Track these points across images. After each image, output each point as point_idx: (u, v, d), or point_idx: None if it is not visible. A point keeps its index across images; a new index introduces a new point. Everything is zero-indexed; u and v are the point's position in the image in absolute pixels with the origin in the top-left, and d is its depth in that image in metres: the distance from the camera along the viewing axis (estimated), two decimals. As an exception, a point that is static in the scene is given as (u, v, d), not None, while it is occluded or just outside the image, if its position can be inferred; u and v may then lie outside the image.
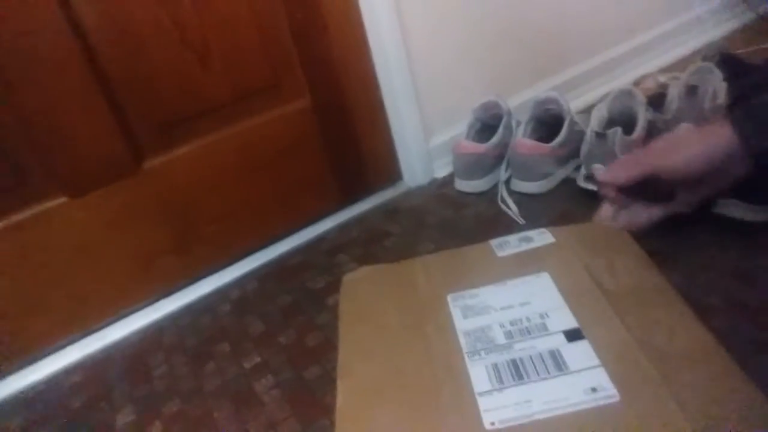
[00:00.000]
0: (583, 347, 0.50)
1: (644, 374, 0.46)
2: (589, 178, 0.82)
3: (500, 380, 0.49)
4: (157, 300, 0.93)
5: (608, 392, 0.45)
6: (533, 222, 0.91)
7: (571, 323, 0.53)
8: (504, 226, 0.92)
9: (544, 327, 0.53)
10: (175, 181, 0.89)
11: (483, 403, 0.47)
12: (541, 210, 0.94)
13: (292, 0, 0.90)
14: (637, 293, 0.55)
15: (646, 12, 1.35)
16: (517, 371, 0.50)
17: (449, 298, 0.60)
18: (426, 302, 0.60)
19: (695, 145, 0.62)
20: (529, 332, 0.53)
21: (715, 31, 1.44)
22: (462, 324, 0.56)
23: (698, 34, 1.42)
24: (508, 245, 0.66)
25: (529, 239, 0.66)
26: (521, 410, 0.46)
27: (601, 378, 0.47)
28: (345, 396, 0.52)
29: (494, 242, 0.67)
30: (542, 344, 0.52)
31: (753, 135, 0.59)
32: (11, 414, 0.79)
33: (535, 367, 0.50)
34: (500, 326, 0.55)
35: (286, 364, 0.75)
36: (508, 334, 0.54)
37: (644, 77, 1.26)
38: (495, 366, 0.51)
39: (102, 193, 0.83)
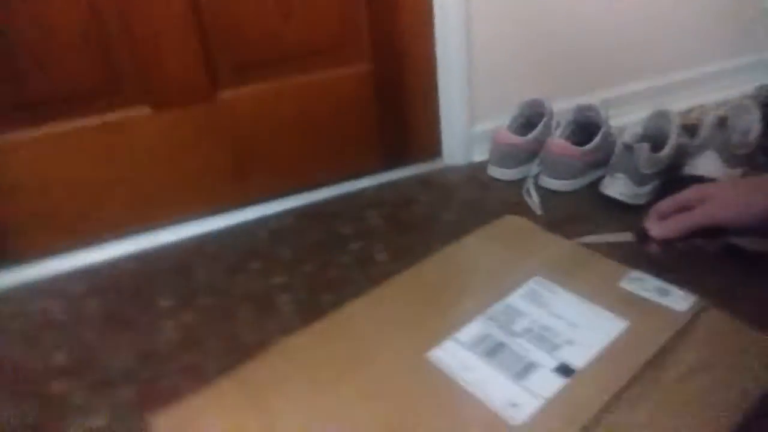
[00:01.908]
0: (552, 382, 0.50)
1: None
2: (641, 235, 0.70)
3: (476, 344, 0.55)
4: (207, 216, 1.06)
5: (517, 417, 0.47)
6: (549, 215, 0.99)
7: (577, 363, 0.52)
8: (522, 213, 1.00)
9: (555, 348, 0.54)
10: (243, 115, 1.01)
11: (446, 343, 0.55)
12: (560, 207, 1.02)
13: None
14: (677, 395, 0.49)
15: (708, 45, 1.38)
16: (493, 351, 0.54)
17: (536, 278, 0.63)
18: (521, 268, 0.65)
19: (758, 200, 0.61)
20: (540, 341, 0.55)
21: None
22: (513, 299, 0.60)
23: (760, 79, 1.43)
24: (638, 284, 0.62)
25: (665, 293, 0.61)
26: (456, 368, 0.52)
27: (530, 405, 0.48)
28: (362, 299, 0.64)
29: (632, 273, 0.64)
30: (534, 354, 0.53)
31: None
32: (76, 282, 0.93)
33: (505, 360, 0.53)
34: (532, 321, 0.57)
35: (306, 288, 0.87)
36: (527, 330, 0.56)
37: (692, 110, 1.30)
38: (487, 336, 0.56)
39: (180, 111, 0.96)
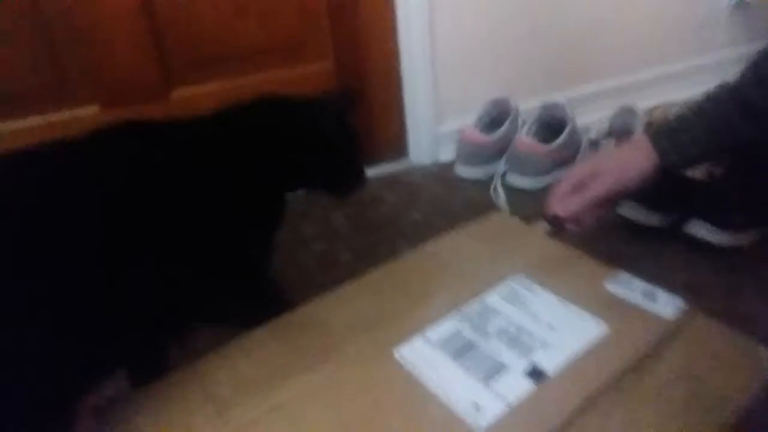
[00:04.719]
0: (522, 385, 0.48)
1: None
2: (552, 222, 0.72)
3: (445, 342, 0.52)
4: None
5: (481, 421, 0.45)
6: (516, 213, 0.97)
7: (550, 368, 0.49)
8: (489, 212, 0.98)
9: (529, 350, 0.51)
10: (198, 115, 0.97)
11: (416, 339, 0.52)
12: (527, 204, 1.00)
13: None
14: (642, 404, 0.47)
15: (671, 45, 1.40)
16: (462, 351, 0.51)
17: (516, 277, 0.60)
18: (502, 267, 0.62)
19: (630, 168, 0.68)
20: (514, 342, 0.52)
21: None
22: (491, 298, 0.57)
23: (721, 77, 1.45)
24: (623, 286, 0.58)
25: (651, 297, 0.57)
26: (421, 367, 0.49)
27: (494, 409, 0.45)
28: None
29: (620, 275, 0.60)
30: (506, 357, 0.51)
31: (669, 151, 0.67)
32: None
33: (473, 360, 0.50)
34: (507, 323, 0.54)
35: (265, 292, 0.83)
36: (502, 331, 0.53)
37: (656, 108, 1.30)
38: (458, 333, 0.53)
39: (130, 111, 0.91)
